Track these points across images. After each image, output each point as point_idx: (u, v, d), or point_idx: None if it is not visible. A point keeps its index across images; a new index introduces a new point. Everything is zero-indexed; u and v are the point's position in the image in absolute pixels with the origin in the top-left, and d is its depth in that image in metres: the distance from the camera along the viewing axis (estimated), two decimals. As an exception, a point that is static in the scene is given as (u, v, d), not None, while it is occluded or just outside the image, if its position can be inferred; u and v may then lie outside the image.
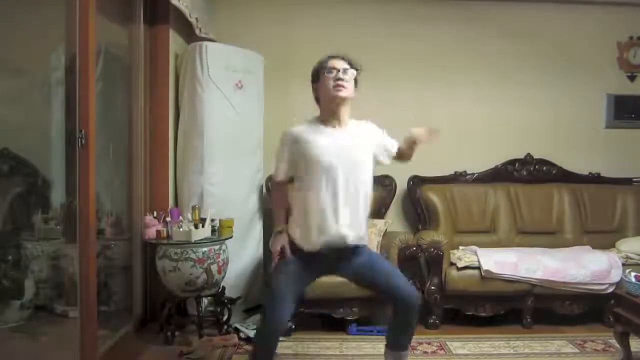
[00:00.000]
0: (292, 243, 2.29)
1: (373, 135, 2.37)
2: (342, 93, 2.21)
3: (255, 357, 2.31)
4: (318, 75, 2.28)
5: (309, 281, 2.40)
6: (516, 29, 4.39)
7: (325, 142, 2.23)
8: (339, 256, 2.28)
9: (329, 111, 2.28)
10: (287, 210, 2.36)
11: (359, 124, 2.36)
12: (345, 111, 2.28)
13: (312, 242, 2.23)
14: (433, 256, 3.55)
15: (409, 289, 2.32)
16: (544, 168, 4.33)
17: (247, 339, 3.27)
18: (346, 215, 2.21)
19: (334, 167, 2.20)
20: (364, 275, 2.37)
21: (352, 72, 2.25)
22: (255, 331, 2.73)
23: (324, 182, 2.20)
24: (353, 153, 2.26)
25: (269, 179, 4.01)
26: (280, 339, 2.43)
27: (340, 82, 2.20)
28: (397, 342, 2.38)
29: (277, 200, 2.45)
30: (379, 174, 4.03)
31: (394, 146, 2.40)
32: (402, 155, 2.42)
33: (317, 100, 2.34)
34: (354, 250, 2.30)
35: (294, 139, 2.29)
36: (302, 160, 2.25)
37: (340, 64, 2.24)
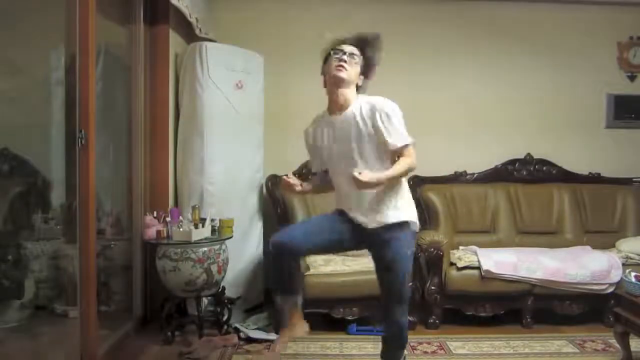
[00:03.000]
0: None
1: (372, 116, 2.19)
2: (340, 73, 2.19)
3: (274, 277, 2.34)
4: (327, 56, 2.29)
5: (338, 235, 2.32)
6: (516, 29, 4.40)
7: (326, 133, 2.29)
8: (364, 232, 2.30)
9: (330, 95, 2.28)
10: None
11: (368, 101, 2.22)
12: (345, 94, 2.23)
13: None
14: (433, 256, 3.55)
15: (393, 319, 2.33)
16: (544, 168, 4.33)
17: (247, 339, 3.27)
18: (359, 202, 2.24)
19: (334, 156, 2.28)
20: (378, 267, 2.37)
21: (358, 58, 2.24)
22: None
23: (336, 171, 2.31)
24: (352, 137, 2.21)
25: (269, 179, 4.03)
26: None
27: (342, 64, 2.20)
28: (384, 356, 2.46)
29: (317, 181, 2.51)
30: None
31: (390, 144, 2.19)
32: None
33: (325, 85, 2.32)
34: (381, 231, 2.25)
35: (307, 136, 2.41)
36: (316, 154, 2.40)
37: (348, 48, 2.24)
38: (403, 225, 2.26)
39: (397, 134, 2.18)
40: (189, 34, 3.79)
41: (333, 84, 2.23)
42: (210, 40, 3.85)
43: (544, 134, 4.42)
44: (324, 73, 2.30)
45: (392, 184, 2.20)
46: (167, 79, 3.60)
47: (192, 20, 3.61)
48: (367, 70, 2.28)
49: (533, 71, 4.40)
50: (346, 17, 4.28)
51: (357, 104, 2.23)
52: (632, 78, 4.50)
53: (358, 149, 2.20)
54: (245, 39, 4.00)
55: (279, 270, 2.25)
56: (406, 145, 2.19)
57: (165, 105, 3.59)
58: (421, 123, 4.30)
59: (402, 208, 2.26)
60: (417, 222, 2.32)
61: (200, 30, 3.76)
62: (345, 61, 2.20)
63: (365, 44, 2.27)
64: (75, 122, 2.52)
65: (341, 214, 2.34)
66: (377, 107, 2.19)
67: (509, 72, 4.40)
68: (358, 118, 2.21)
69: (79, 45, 2.51)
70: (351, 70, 2.21)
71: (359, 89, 2.28)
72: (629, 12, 4.42)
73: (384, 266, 2.31)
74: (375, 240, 2.28)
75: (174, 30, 3.65)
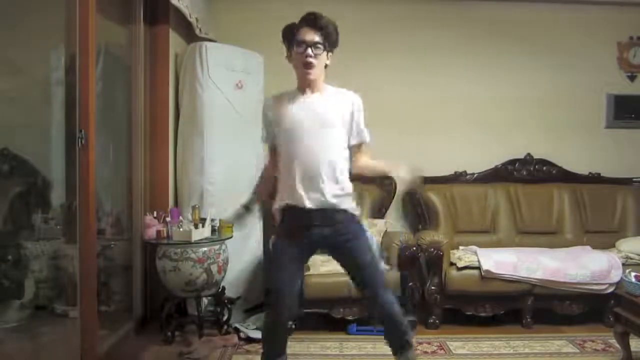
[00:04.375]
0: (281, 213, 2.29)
1: (347, 106, 2.23)
2: (310, 76, 2.17)
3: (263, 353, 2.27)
4: (288, 43, 2.21)
5: (302, 258, 2.30)
6: (516, 29, 4.39)
7: (294, 108, 2.21)
8: (310, 223, 2.19)
9: (301, 81, 2.24)
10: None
11: (339, 92, 2.26)
12: (316, 82, 2.22)
13: (283, 201, 2.24)
14: (433, 256, 3.55)
15: (380, 292, 2.23)
16: (544, 168, 4.33)
17: (247, 339, 3.27)
18: (307, 181, 2.16)
19: (297, 132, 2.17)
20: (342, 260, 2.30)
21: (322, 47, 2.17)
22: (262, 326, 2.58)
23: (292, 147, 2.19)
24: (320, 117, 2.19)
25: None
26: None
27: (308, 61, 2.14)
28: (392, 345, 2.31)
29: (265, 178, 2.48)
30: (379, 174, 4.05)
31: (354, 137, 2.24)
32: (357, 166, 2.30)
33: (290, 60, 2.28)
34: (326, 220, 2.19)
35: (269, 107, 2.31)
36: (276, 127, 2.26)
37: (310, 36, 2.15)
38: (351, 214, 2.25)
39: (364, 130, 2.27)
40: (189, 34, 3.79)
41: (305, 79, 2.20)
42: (210, 40, 3.85)
43: (544, 134, 4.42)
44: (289, 59, 2.25)
45: (339, 169, 2.20)
46: (167, 79, 3.60)
47: (192, 20, 3.61)
48: (331, 47, 2.23)
49: (533, 71, 4.40)
50: (346, 16, 4.27)
51: (331, 91, 2.25)
52: (632, 78, 4.50)
53: (325, 133, 2.18)
54: (245, 39, 4.00)
55: (272, 334, 2.23)
56: (366, 143, 2.28)
57: (165, 105, 3.59)
58: (421, 123, 4.34)
59: (348, 199, 2.25)
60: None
61: (200, 30, 3.76)
62: (310, 56, 2.14)
63: (322, 24, 2.19)
64: (75, 122, 2.52)
65: (286, 232, 2.25)
66: (351, 99, 2.24)
67: (509, 72, 4.40)
68: (331, 104, 2.21)
69: (79, 45, 2.51)
70: (319, 63, 2.17)
71: (325, 66, 2.25)
72: (629, 12, 4.42)
73: (348, 255, 2.25)
74: (334, 237, 2.21)
75: (174, 30, 3.65)
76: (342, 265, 2.32)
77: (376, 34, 4.29)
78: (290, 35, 2.20)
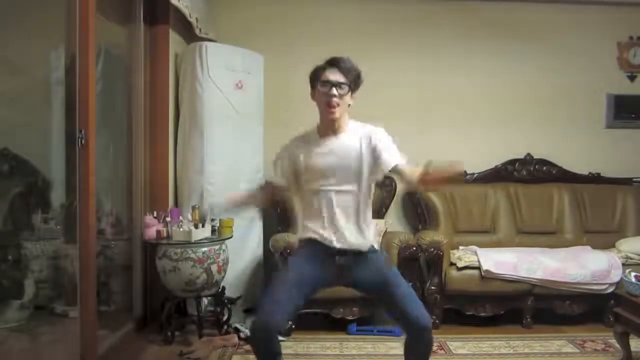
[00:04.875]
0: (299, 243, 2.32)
1: (372, 141, 2.20)
2: (334, 115, 2.17)
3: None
4: (314, 83, 2.23)
5: (313, 283, 2.22)
6: (516, 29, 4.39)
7: (317, 151, 2.20)
8: (334, 254, 2.18)
9: (324, 122, 2.24)
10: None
11: (361, 127, 2.25)
12: (340, 122, 2.22)
13: (306, 235, 2.23)
14: (433, 256, 3.55)
15: (420, 313, 2.14)
16: (544, 168, 4.33)
17: (247, 339, 3.27)
18: (329, 223, 2.16)
19: (320, 176, 2.18)
20: (374, 293, 2.26)
21: (346, 87, 2.17)
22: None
23: (315, 189, 2.19)
24: (343, 161, 2.18)
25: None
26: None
27: (332, 101, 2.15)
28: None
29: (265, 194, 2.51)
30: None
31: (390, 163, 2.15)
32: (405, 181, 2.22)
33: (313, 98, 2.29)
34: (354, 259, 2.19)
35: (289, 148, 2.30)
36: (299, 172, 2.25)
37: (335, 77, 2.17)
38: (375, 249, 2.25)
39: (396, 153, 2.20)
40: (189, 34, 3.79)
41: (328, 120, 2.20)
42: (210, 40, 3.85)
43: (544, 134, 4.42)
44: (313, 99, 2.26)
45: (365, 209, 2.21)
46: (167, 79, 3.60)
47: (192, 20, 3.61)
48: (354, 89, 2.23)
49: (533, 71, 4.40)
50: (346, 16, 4.29)
51: (353, 129, 2.24)
52: (632, 78, 4.50)
53: (349, 176, 2.18)
54: (245, 39, 4.00)
55: (263, 354, 2.12)
56: (404, 163, 2.18)
57: (165, 105, 3.59)
58: (421, 123, 4.34)
59: (372, 236, 2.25)
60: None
61: (200, 30, 3.76)
62: (334, 95, 2.15)
63: (347, 66, 2.20)
64: (75, 122, 2.52)
65: (307, 256, 2.21)
66: (370, 133, 2.21)
67: (509, 72, 4.40)
68: (355, 140, 2.20)
69: (79, 45, 2.51)
70: (342, 103, 2.18)
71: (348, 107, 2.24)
72: (629, 12, 4.42)
73: (379, 289, 2.19)
74: (349, 262, 2.18)
75: (174, 30, 3.65)
76: (375, 300, 2.30)
77: (375, 33, 4.29)
78: (315, 76, 2.23)
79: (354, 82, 2.22)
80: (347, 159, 2.19)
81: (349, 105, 2.24)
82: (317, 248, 2.20)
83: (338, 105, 2.17)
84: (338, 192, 2.18)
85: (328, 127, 2.23)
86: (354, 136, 2.22)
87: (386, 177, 4.09)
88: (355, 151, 2.20)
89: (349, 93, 2.21)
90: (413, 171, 2.06)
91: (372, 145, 2.19)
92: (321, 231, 2.18)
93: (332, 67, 2.20)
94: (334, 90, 2.16)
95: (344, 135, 2.24)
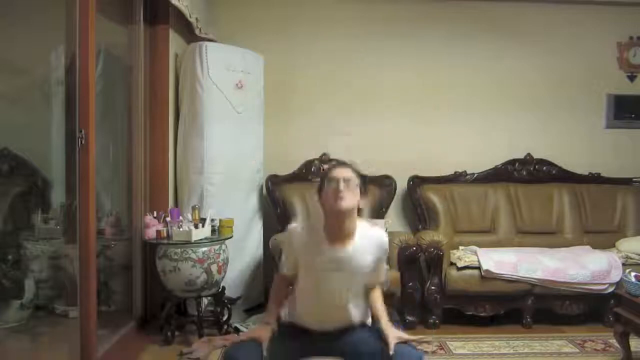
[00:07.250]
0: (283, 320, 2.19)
1: (374, 252, 2.12)
2: (342, 203, 2.01)
3: None
4: (321, 186, 2.11)
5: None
6: (516, 29, 4.40)
7: (320, 254, 2.07)
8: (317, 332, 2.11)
9: (331, 223, 2.09)
10: (279, 306, 2.21)
11: (370, 234, 2.13)
12: (349, 223, 2.08)
13: (292, 318, 2.16)
14: (433, 256, 3.55)
15: None
16: (544, 168, 4.33)
17: (247, 339, 3.27)
18: (324, 317, 2.10)
19: (321, 279, 2.08)
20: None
21: (354, 182, 2.05)
22: None
23: (313, 289, 2.10)
24: (351, 277, 2.09)
25: (269, 179, 4.02)
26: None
27: (340, 194, 2.00)
28: None
29: (273, 294, 2.26)
30: (380, 173, 4.04)
31: (374, 283, 2.15)
32: (369, 298, 2.17)
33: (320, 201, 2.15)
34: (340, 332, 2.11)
35: (293, 243, 2.17)
36: (299, 265, 2.15)
37: (342, 173, 2.05)
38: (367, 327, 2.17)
39: (384, 272, 2.20)
40: (189, 34, 3.79)
41: (336, 216, 2.06)
42: (210, 40, 3.85)
43: (544, 134, 4.42)
44: (322, 205, 2.11)
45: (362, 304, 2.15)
46: (167, 79, 3.60)
47: (192, 20, 3.61)
48: (364, 189, 2.11)
49: (533, 71, 4.40)
50: (346, 16, 4.28)
51: (362, 235, 2.11)
52: (632, 78, 4.50)
53: (347, 285, 2.09)
54: (245, 39, 4.00)
55: None
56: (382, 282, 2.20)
57: (165, 105, 3.59)
58: (421, 123, 4.34)
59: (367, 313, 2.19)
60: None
61: (200, 30, 3.76)
62: (342, 190, 2.01)
63: (353, 167, 2.10)
64: (75, 122, 2.52)
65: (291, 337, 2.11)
66: (382, 244, 2.13)
67: (509, 72, 4.40)
68: (360, 253, 2.08)
69: (79, 45, 2.51)
70: (351, 197, 2.03)
71: (360, 212, 2.11)
72: (629, 12, 4.43)
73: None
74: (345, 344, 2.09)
75: (174, 30, 3.65)
76: None
77: (375, 33, 4.28)
78: (322, 180, 2.11)
79: (363, 181, 2.10)
80: (355, 275, 2.09)
81: (360, 210, 2.10)
82: (298, 331, 2.11)
83: (345, 197, 2.01)
84: (334, 296, 2.07)
85: (337, 231, 2.08)
86: (365, 248, 2.09)
87: (386, 177, 4.12)
88: (366, 268, 2.09)
89: (359, 190, 2.07)
90: (380, 298, 2.13)
91: (378, 257, 2.12)
92: (310, 323, 2.10)
93: (339, 167, 2.10)
94: (342, 185, 2.01)
95: (353, 246, 2.09)
